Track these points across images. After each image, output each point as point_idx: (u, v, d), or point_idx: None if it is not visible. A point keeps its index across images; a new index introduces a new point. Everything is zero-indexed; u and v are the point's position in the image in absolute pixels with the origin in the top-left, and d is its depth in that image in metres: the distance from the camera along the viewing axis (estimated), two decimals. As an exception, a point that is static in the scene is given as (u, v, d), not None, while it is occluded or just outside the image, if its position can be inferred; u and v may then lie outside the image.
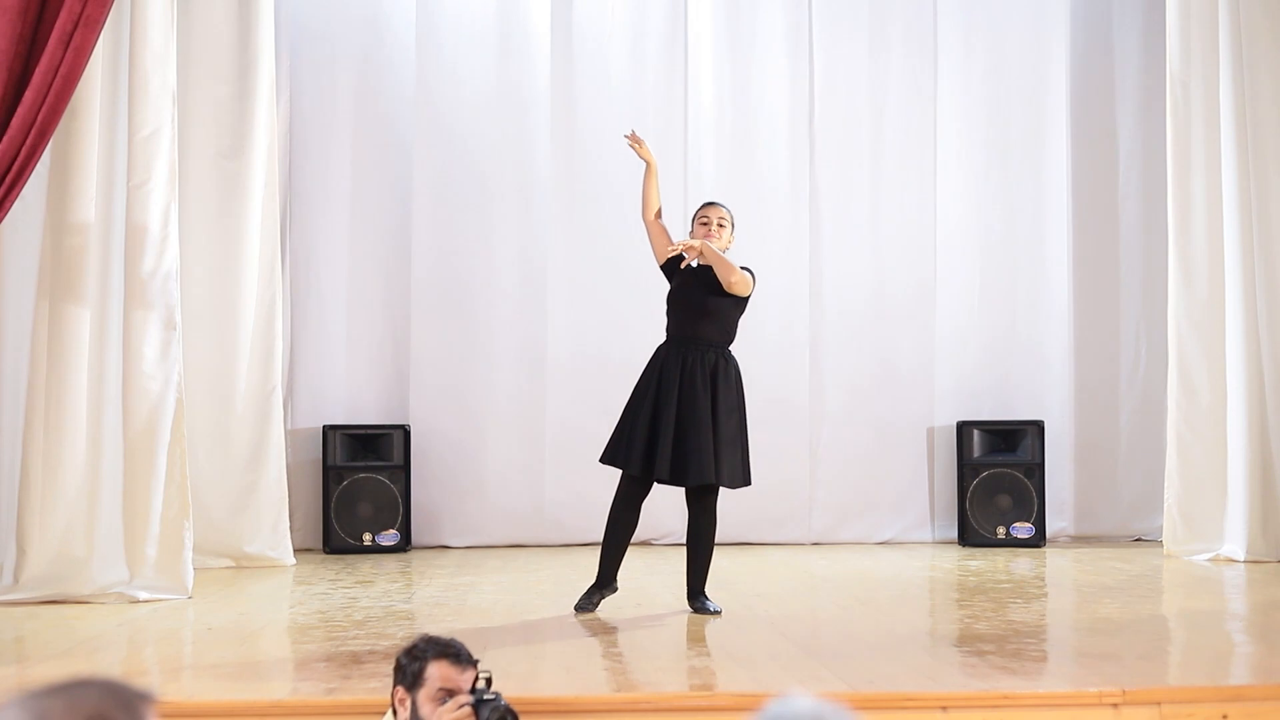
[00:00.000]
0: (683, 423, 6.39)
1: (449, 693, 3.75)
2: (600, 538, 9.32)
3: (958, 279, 9.63)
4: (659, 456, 6.41)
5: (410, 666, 3.79)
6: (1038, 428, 9.28)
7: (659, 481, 6.56)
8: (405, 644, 3.90)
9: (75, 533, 6.90)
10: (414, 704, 3.75)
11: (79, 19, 6.50)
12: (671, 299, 6.63)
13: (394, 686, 3.83)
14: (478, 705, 3.74)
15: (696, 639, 5.97)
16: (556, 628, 6.22)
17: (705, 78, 9.56)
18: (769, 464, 9.45)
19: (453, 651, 3.80)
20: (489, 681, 3.80)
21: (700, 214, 6.71)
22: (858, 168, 9.63)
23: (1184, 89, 8.55)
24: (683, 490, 6.59)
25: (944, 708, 4.48)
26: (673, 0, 9.53)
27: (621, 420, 6.56)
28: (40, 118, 6.49)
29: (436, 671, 3.76)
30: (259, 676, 5.26)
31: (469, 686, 3.78)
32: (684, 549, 6.84)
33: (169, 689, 4.77)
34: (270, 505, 8.41)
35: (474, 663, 3.83)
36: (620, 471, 6.63)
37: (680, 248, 6.56)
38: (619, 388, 9.34)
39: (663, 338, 9.40)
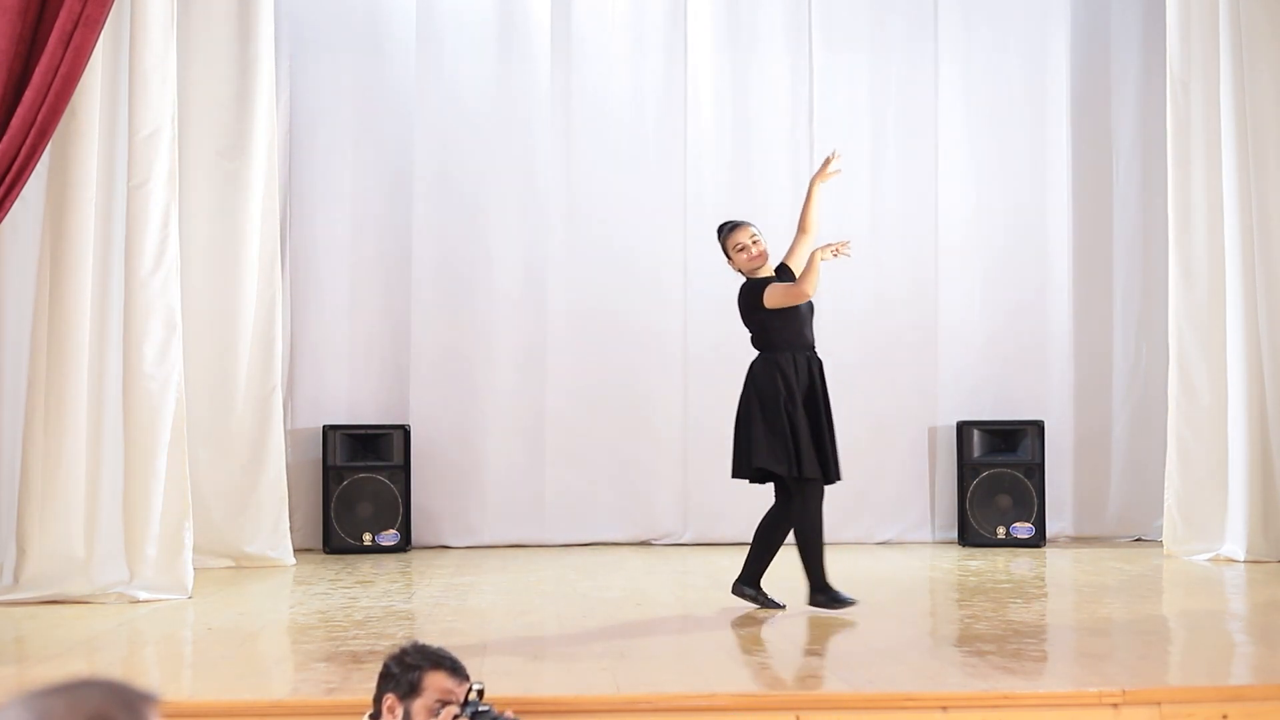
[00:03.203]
0: (824, 423, 6.52)
1: (443, 704, 3.72)
2: (598, 538, 9.37)
3: (958, 279, 9.62)
4: (829, 456, 6.52)
5: (405, 675, 3.75)
6: (1037, 428, 9.28)
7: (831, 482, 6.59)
8: (394, 650, 3.87)
9: (75, 533, 6.90)
10: (407, 713, 3.73)
11: (79, 19, 6.50)
12: (800, 311, 6.57)
13: (383, 693, 3.78)
14: (475, 717, 3.72)
15: (696, 639, 5.97)
16: (556, 628, 6.22)
17: (705, 76, 9.56)
18: (769, 464, 9.46)
19: (449, 663, 3.78)
20: (481, 693, 3.78)
21: (736, 240, 6.64)
22: (858, 169, 9.60)
23: (1184, 89, 8.55)
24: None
25: (944, 708, 4.48)
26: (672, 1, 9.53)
27: (812, 436, 6.46)
28: (40, 118, 6.49)
29: (434, 682, 3.74)
30: (259, 676, 5.26)
31: (463, 699, 3.76)
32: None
33: (169, 689, 4.77)
34: (270, 505, 8.41)
35: (468, 675, 3.81)
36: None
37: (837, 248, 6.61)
38: (619, 388, 9.41)
39: (661, 339, 9.45)
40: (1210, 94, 8.47)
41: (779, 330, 6.54)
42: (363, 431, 9.13)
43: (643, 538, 9.39)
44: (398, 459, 9.06)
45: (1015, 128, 9.68)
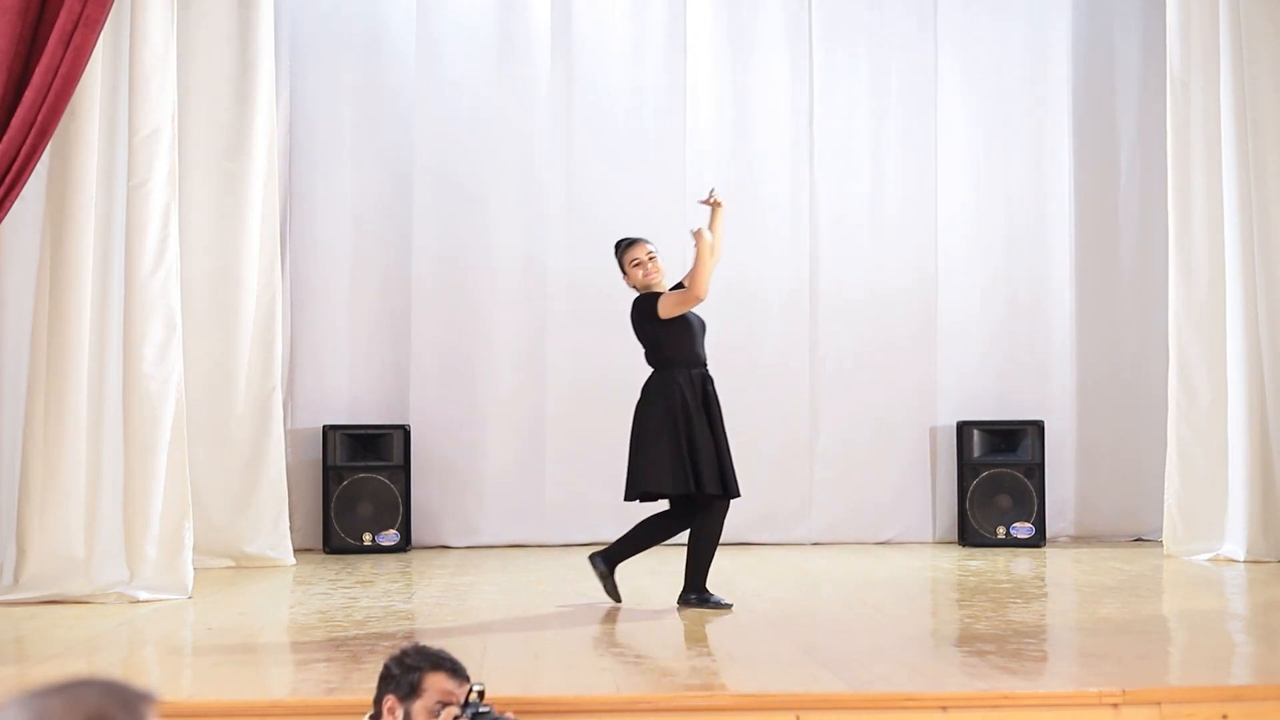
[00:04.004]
0: (721, 439, 6.62)
1: (444, 705, 3.72)
2: (598, 538, 9.35)
3: (958, 280, 9.63)
4: (729, 472, 6.61)
5: (405, 676, 3.75)
6: (1038, 428, 9.28)
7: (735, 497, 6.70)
8: (394, 652, 3.87)
9: (75, 533, 6.90)
10: (408, 714, 3.73)
11: (79, 19, 6.50)
12: (693, 327, 6.65)
13: (383, 694, 3.78)
14: (475, 718, 3.72)
15: (697, 639, 5.97)
16: (556, 628, 6.22)
17: (705, 74, 9.56)
18: (769, 464, 9.46)
19: (449, 664, 3.78)
20: (481, 695, 3.78)
21: (633, 256, 6.73)
22: (858, 169, 9.63)
23: (1184, 89, 8.55)
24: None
25: (944, 708, 4.48)
26: (672, 2, 9.53)
27: (680, 453, 6.50)
28: (40, 118, 6.49)
29: (434, 684, 3.74)
30: (259, 676, 5.26)
31: (464, 700, 3.76)
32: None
33: (169, 689, 4.77)
34: (270, 505, 8.41)
35: (468, 677, 3.81)
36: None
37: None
38: (618, 389, 9.37)
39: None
40: (1210, 94, 8.47)
41: (672, 345, 6.61)
42: (363, 431, 9.13)
43: (643, 538, 9.38)
44: (398, 459, 9.06)
45: (1015, 128, 9.68)
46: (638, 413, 6.65)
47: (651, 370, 6.67)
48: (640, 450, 6.59)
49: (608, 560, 6.74)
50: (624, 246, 6.78)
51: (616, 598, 6.73)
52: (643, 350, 6.72)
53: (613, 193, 9.45)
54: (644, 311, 6.63)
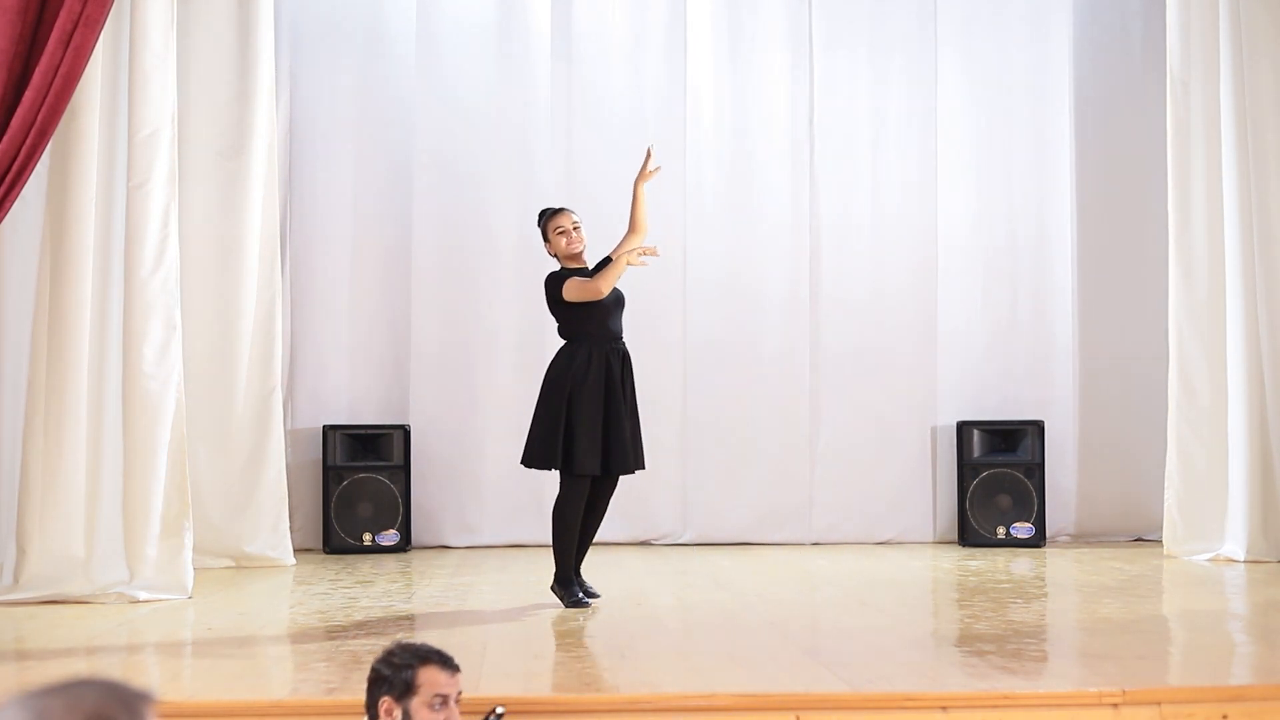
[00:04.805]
0: (626, 415, 6.67)
1: (442, 698, 3.72)
2: (598, 538, 9.32)
3: (959, 279, 9.62)
4: (629, 451, 6.67)
5: (398, 676, 3.73)
6: (1038, 428, 9.28)
7: (627, 473, 6.78)
8: (379, 654, 3.83)
9: (75, 533, 6.90)
10: (406, 713, 3.72)
11: (79, 19, 6.50)
12: (604, 304, 6.70)
13: (378, 697, 3.76)
14: None
15: (697, 639, 5.97)
16: (556, 628, 6.22)
17: (705, 74, 9.56)
18: (770, 464, 9.46)
19: (438, 657, 3.77)
20: (501, 717, 3.79)
21: (558, 224, 6.78)
22: (858, 169, 9.62)
23: (1184, 89, 8.55)
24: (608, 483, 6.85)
25: (944, 708, 4.48)
26: (672, 0, 9.53)
27: (587, 429, 6.55)
28: (40, 118, 6.49)
29: (428, 677, 3.73)
30: (259, 676, 5.26)
31: (457, 692, 3.76)
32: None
33: (169, 689, 4.77)
34: (270, 505, 8.41)
35: (458, 667, 3.81)
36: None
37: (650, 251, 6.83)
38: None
39: (660, 340, 9.45)
40: (1210, 94, 8.47)
41: (581, 321, 6.69)
42: (363, 431, 9.13)
43: (643, 538, 9.39)
44: (398, 459, 9.06)
45: (1015, 127, 9.68)
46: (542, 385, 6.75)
47: (563, 343, 6.75)
48: (533, 422, 6.72)
49: (564, 577, 6.72)
50: (548, 215, 6.85)
51: (593, 594, 6.73)
52: (556, 325, 6.79)
53: (613, 192, 9.42)
54: (552, 291, 6.73)
